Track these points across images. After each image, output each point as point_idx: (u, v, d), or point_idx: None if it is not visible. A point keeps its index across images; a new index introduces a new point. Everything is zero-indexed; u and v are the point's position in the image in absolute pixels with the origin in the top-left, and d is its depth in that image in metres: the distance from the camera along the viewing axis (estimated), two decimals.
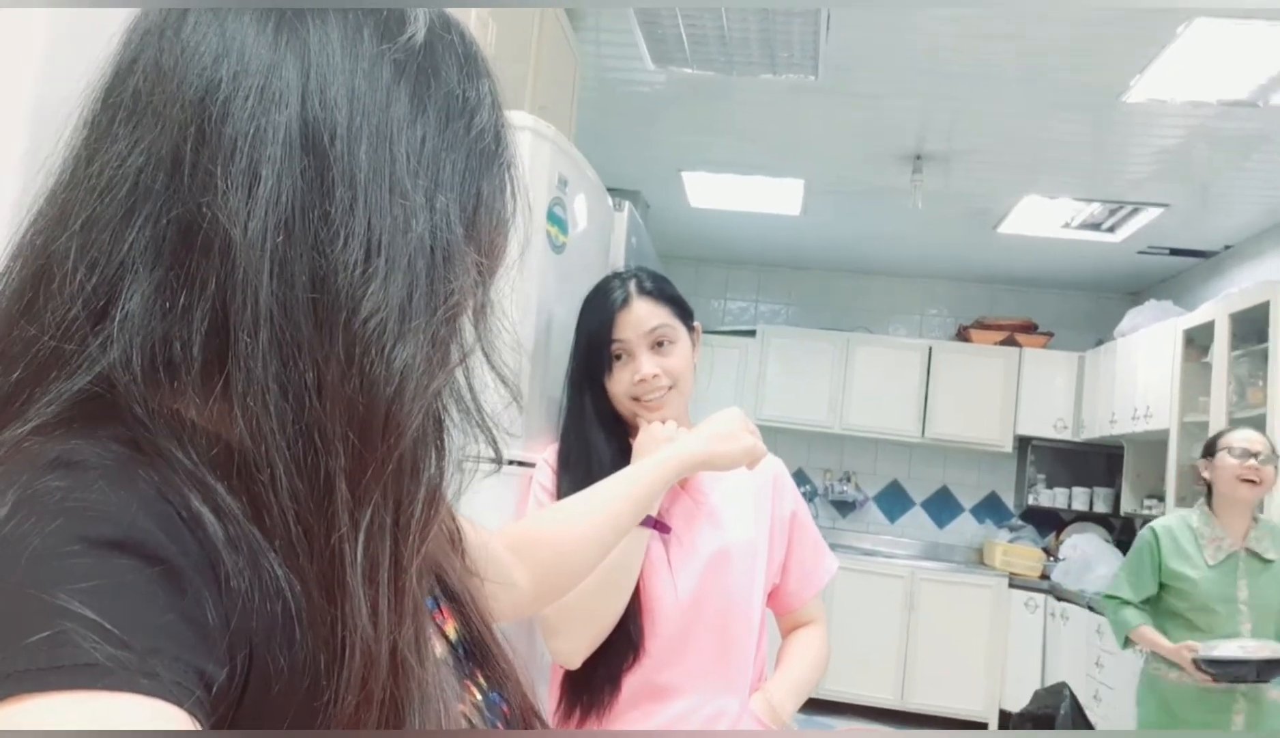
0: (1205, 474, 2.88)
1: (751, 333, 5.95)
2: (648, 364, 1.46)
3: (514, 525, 0.97)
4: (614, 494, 1.00)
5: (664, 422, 1.47)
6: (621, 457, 1.46)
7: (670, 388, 1.48)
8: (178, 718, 0.35)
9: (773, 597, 1.57)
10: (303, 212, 0.43)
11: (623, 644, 1.39)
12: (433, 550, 0.60)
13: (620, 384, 1.49)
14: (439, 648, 0.57)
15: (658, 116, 3.86)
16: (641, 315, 1.49)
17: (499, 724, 0.58)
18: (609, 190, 2.39)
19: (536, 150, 1.79)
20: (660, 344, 1.49)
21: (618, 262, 2.46)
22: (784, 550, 1.55)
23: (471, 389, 0.50)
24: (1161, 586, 2.86)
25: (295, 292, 0.43)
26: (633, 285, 1.51)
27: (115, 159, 0.44)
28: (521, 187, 0.54)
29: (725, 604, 1.44)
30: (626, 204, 2.50)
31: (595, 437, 1.50)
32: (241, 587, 0.41)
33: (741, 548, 1.47)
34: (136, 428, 0.42)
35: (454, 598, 0.61)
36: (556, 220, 1.83)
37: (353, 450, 0.43)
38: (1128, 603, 2.90)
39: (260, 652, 0.41)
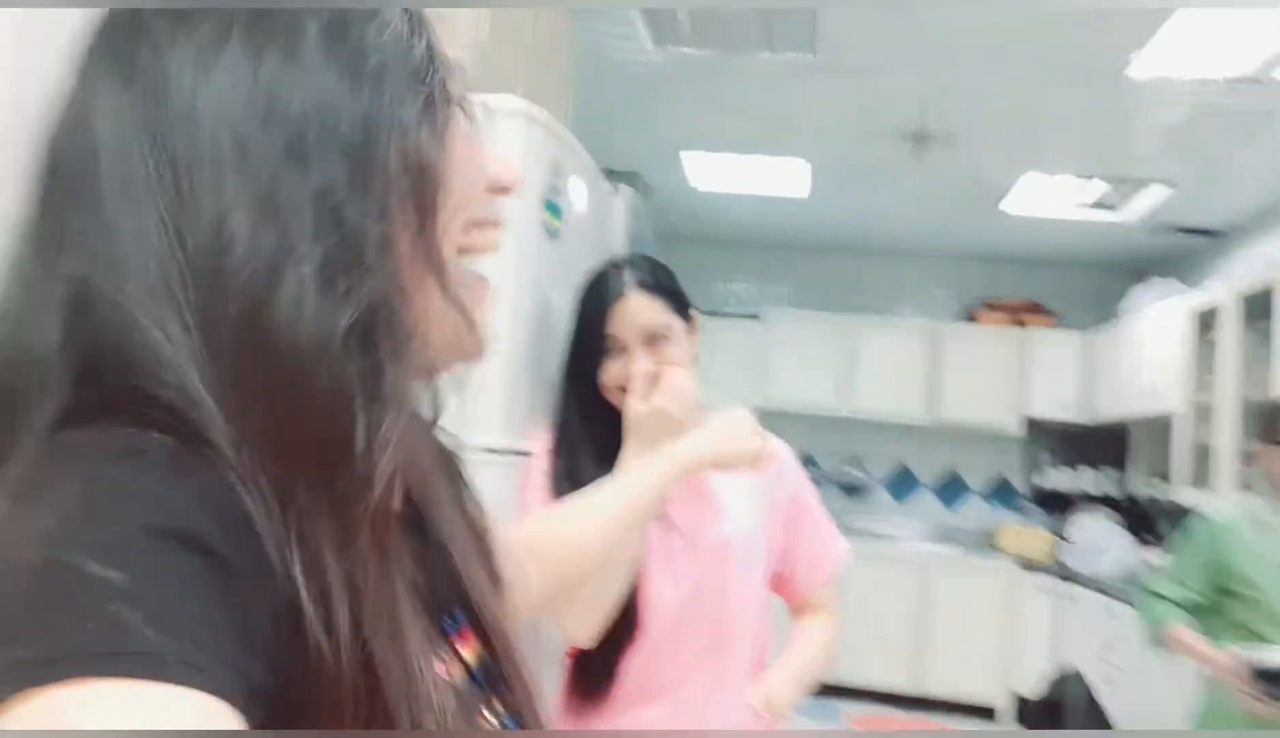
0: (1267, 461, 2.41)
1: (756, 316, 5.93)
2: (643, 363, 1.42)
3: (524, 525, 0.98)
4: (625, 493, 1.01)
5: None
6: (612, 445, 1.43)
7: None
8: (223, 713, 0.36)
9: (780, 585, 1.55)
10: (180, 211, 0.43)
11: (620, 634, 1.37)
12: (460, 565, 0.60)
13: (611, 377, 1.45)
14: (455, 672, 0.56)
15: (657, 97, 3.83)
16: (636, 311, 1.43)
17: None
18: (609, 172, 2.36)
19: (530, 136, 1.77)
20: (655, 340, 1.43)
21: (616, 246, 2.44)
22: (785, 535, 1.53)
23: (393, 349, 0.46)
24: (1223, 591, 2.37)
25: (195, 293, 0.43)
26: (627, 276, 1.45)
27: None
28: (460, 113, 0.52)
29: (723, 595, 1.43)
30: (623, 187, 2.47)
31: (586, 425, 1.47)
32: (282, 581, 0.41)
33: (741, 539, 1.45)
34: (176, 423, 0.41)
35: (480, 620, 0.59)
36: (551, 206, 1.81)
37: (266, 427, 0.42)
38: (1163, 598, 2.47)
39: (294, 648, 0.41)
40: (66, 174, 0.45)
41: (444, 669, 0.54)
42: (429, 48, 0.50)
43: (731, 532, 1.44)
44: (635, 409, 1.36)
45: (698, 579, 1.42)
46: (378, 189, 0.46)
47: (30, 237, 0.46)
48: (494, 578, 0.65)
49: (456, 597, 0.59)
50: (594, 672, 1.39)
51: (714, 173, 4.74)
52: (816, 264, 6.16)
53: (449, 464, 0.67)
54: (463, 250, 0.53)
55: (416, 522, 0.58)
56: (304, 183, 0.44)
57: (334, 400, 0.43)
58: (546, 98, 2.17)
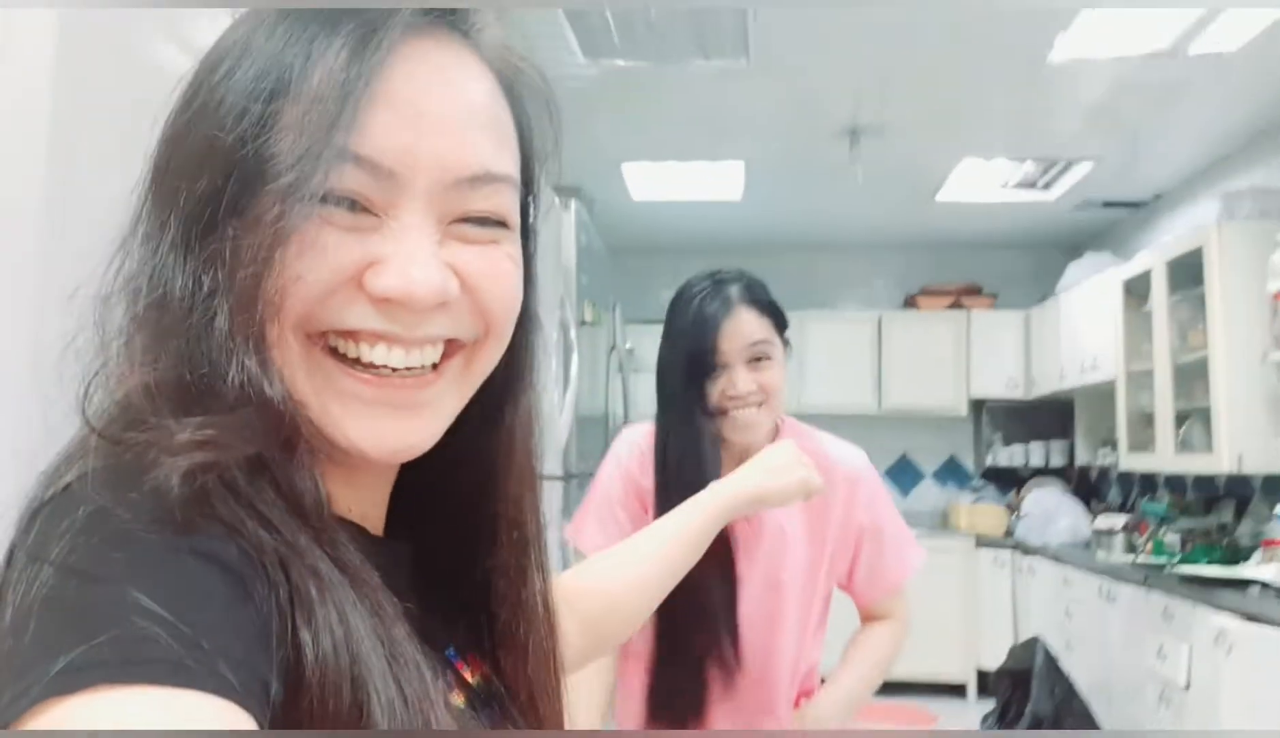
0: None
1: None
2: (744, 382, 1.40)
3: (563, 576, 0.93)
4: (665, 539, 0.96)
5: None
6: (716, 457, 1.44)
7: (760, 404, 1.42)
8: (242, 719, 0.37)
9: (848, 589, 1.56)
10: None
11: (692, 671, 1.41)
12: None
13: (713, 393, 1.43)
14: (458, 700, 0.55)
15: (593, 110, 3.84)
16: (744, 328, 1.42)
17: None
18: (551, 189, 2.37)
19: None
20: (758, 359, 1.42)
21: (569, 259, 2.45)
22: (848, 561, 1.52)
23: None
24: None
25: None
26: (735, 292, 1.44)
27: None
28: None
29: (774, 628, 1.45)
30: (572, 202, 2.48)
31: (697, 436, 1.44)
32: (291, 605, 0.43)
33: (794, 573, 1.47)
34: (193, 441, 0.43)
35: (482, 648, 0.59)
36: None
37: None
38: None
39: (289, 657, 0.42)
40: None
41: (458, 698, 0.54)
42: (311, 141, 0.45)
43: (786, 567, 1.46)
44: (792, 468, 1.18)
45: (751, 617, 1.44)
46: (205, 267, 0.45)
47: None
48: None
49: (460, 626, 0.59)
50: (681, 697, 1.43)
51: (656, 183, 4.77)
52: (759, 264, 6.09)
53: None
54: (339, 354, 0.48)
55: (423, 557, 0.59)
56: (152, 245, 0.47)
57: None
58: None
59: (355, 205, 0.47)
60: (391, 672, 0.44)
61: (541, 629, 0.61)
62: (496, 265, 0.51)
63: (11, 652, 0.36)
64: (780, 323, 1.48)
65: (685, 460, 1.43)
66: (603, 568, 0.94)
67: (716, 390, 1.42)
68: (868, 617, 1.58)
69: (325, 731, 0.42)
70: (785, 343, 1.48)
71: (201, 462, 0.42)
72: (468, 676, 0.58)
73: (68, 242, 0.50)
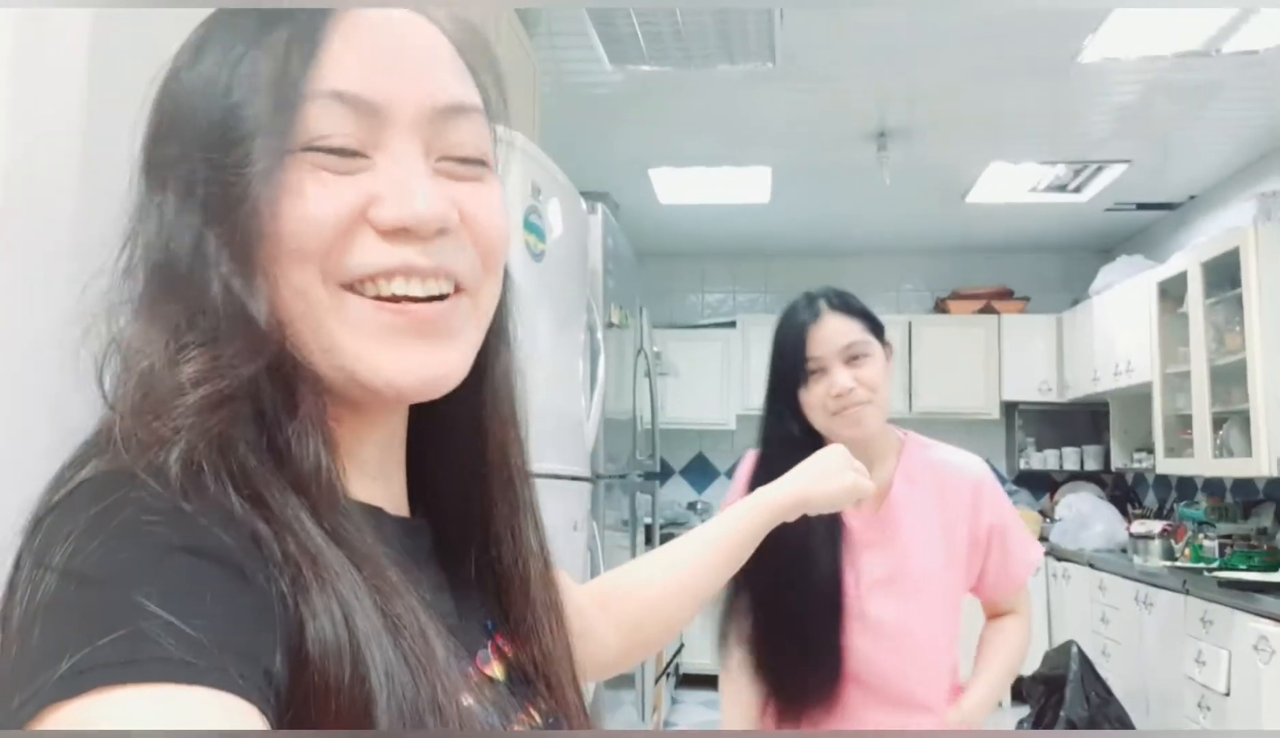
0: None
1: (732, 324, 5.96)
2: (843, 378, 1.47)
3: (599, 579, 0.93)
4: (705, 545, 0.95)
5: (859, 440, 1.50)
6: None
7: (868, 402, 1.48)
8: (246, 712, 0.37)
9: (976, 590, 1.60)
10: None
11: (828, 661, 1.46)
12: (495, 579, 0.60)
13: (816, 398, 1.50)
14: (499, 671, 0.57)
15: (619, 116, 3.86)
16: (834, 331, 1.50)
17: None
18: (578, 192, 2.38)
19: (507, 160, 1.79)
20: (855, 358, 1.49)
21: (596, 263, 2.46)
22: (981, 560, 1.56)
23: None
24: None
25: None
26: (822, 303, 1.53)
27: None
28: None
29: (907, 632, 1.49)
30: (599, 206, 2.50)
31: (788, 449, 1.45)
32: (292, 587, 0.43)
33: (924, 578, 1.50)
34: (191, 447, 0.44)
35: (519, 625, 0.60)
36: (533, 228, 1.83)
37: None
38: None
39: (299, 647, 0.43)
40: None
41: (482, 670, 0.55)
42: (282, 86, 0.47)
43: (914, 571, 1.50)
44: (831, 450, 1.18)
45: (876, 617, 1.48)
46: (204, 228, 0.48)
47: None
48: (546, 595, 0.65)
49: (494, 607, 0.60)
50: (797, 697, 1.48)
51: (682, 187, 4.78)
52: (786, 268, 6.20)
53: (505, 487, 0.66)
54: (381, 297, 0.50)
55: (449, 540, 0.60)
56: (151, 205, 0.50)
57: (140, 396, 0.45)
58: (515, 123, 2.19)
59: (344, 150, 0.49)
60: (398, 648, 0.44)
61: (536, 565, 0.62)
62: (487, 200, 0.53)
63: (18, 656, 0.37)
64: (875, 326, 1.55)
65: (778, 467, 1.46)
66: (643, 571, 0.93)
67: (820, 393, 1.49)
68: (994, 615, 1.63)
69: (325, 730, 0.42)
70: (885, 344, 1.55)
71: (216, 418, 0.44)
72: (507, 648, 0.59)
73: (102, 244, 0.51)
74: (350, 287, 0.49)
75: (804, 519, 1.30)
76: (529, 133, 2.53)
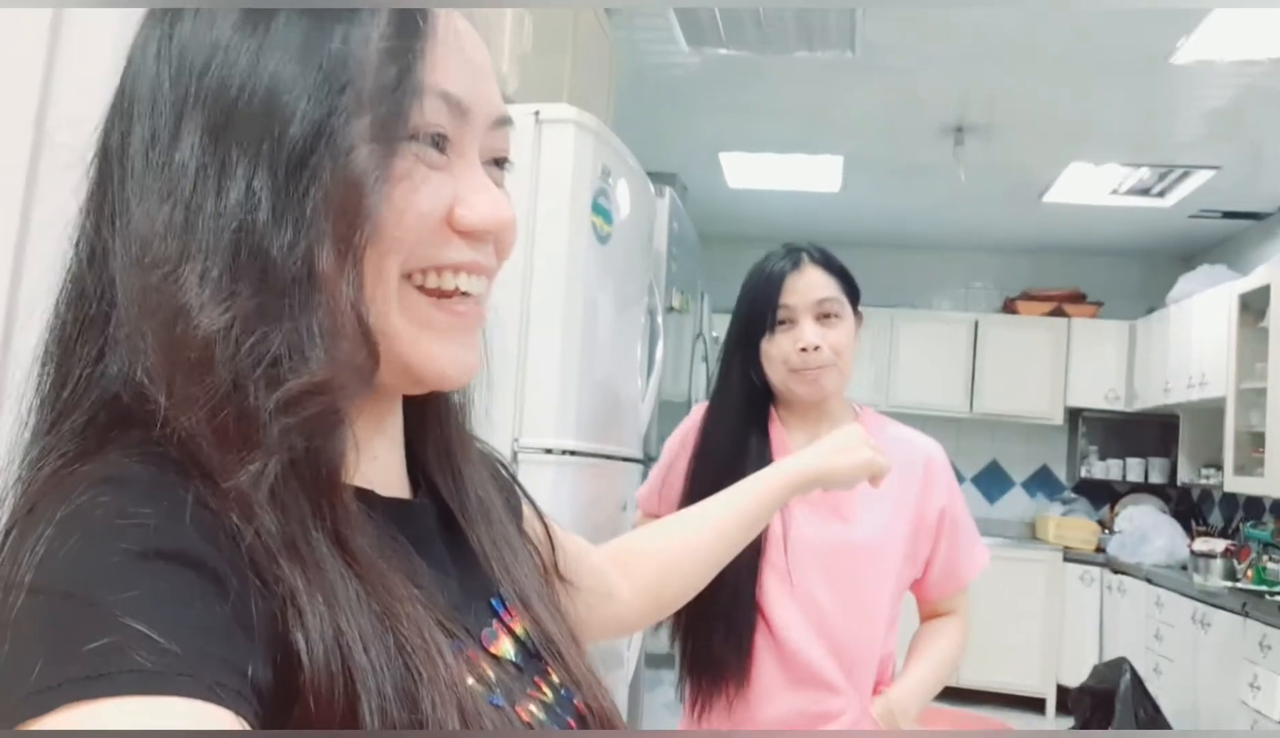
0: None
1: None
2: (811, 333, 1.41)
3: (619, 540, 0.95)
4: (723, 510, 0.96)
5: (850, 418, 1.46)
6: (761, 436, 1.44)
7: (830, 365, 1.43)
8: (224, 720, 0.36)
9: (914, 585, 1.52)
10: (105, 207, 0.48)
11: (737, 631, 1.38)
12: (493, 556, 0.61)
13: (780, 350, 1.44)
14: (508, 647, 0.57)
15: (693, 99, 3.85)
16: (811, 282, 1.44)
17: (571, 722, 0.58)
18: (646, 174, 2.39)
19: (580, 143, 1.81)
20: (826, 317, 1.44)
21: (660, 246, 2.47)
22: (929, 548, 1.48)
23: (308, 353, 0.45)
24: None
25: (141, 281, 0.46)
26: (804, 254, 1.47)
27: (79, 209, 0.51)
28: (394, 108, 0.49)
29: (846, 604, 1.41)
30: (667, 189, 2.50)
31: (739, 405, 1.47)
32: (276, 588, 0.42)
33: (868, 547, 1.42)
34: (164, 444, 0.44)
35: (523, 597, 0.61)
36: (601, 210, 1.84)
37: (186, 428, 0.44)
38: None
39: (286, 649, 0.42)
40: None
41: (489, 649, 0.56)
42: (407, 79, 0.48)
43: (857, 540, 1.42)
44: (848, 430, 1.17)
45: (815, 586, 1.40)
46: (302, 206, 0.45)
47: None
48: (543, 571, 0.67)
49: (499, 585, 0.61)
50: (710, 671, 1.40)
51: (752, 172, 4.75)
52: (853, 259, 6.02)
53: (492, 469, 0.69)
54: (428, 288, 0.51)
55: (448, 520, 0.61)
56: (231, 186, 0.45)
57: (215, 400, 0.44)
58: (589, 103, 2.20)
59: (438, 143, 0.50)
60: (391, 646, 0.44)
61: (511, 532, 0.65)
62: (508, 201, 0.55)
63: None
64: (852, 290, 1.48)
65: (731, 416, 1.46)
66: (662, 534, 0.95)
67: (785, 345, 1.43)
68: (931, 614, 1.55)
69: (325, 730, 0.42)
70: (858, 313, 1.49)
71: (318, 410, 0.44)
72: (514, 624, 0.59)
73: None
74: (408, 276, 0.50)
75: (735, 473, 1.33)
76: (602, 113, 2.54)
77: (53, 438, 0.46)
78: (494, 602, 0.59)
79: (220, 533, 0.41)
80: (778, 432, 1.48)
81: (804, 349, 1.41)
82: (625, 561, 0.89)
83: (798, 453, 1.06)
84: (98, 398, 0.46)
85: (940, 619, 1.54)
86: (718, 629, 1.38)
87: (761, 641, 1.40)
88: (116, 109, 0.50)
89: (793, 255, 1.47)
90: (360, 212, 0.46)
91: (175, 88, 0.47)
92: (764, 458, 1.41)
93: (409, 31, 0.48)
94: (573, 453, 1.82)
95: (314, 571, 0.43)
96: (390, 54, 0.47)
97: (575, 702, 0.59)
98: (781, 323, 1.44)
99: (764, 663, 1.40)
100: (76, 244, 0.49)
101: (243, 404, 0.43)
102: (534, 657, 0.59)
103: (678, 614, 1.37)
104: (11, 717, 0.34)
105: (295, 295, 0.45)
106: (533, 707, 0.55)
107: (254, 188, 0.45)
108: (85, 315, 0.48)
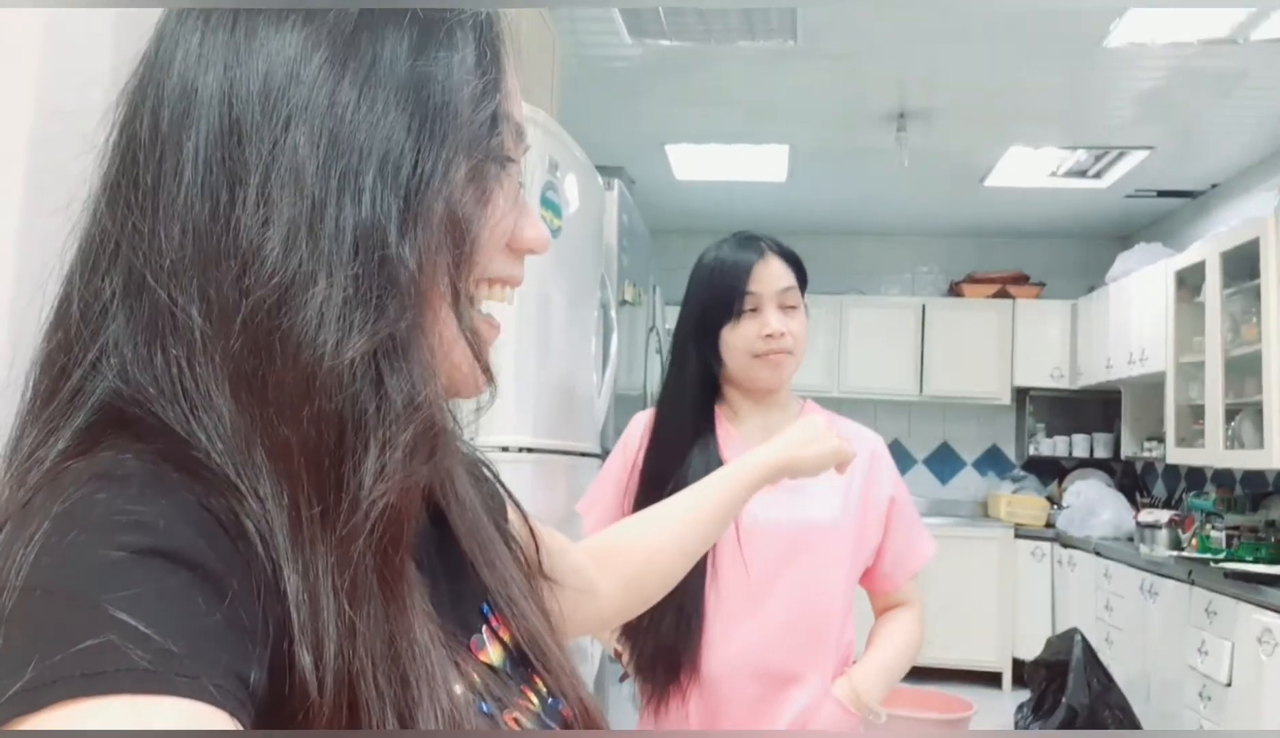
0: None
1: None
2: (776, 321, 1.44)
3: (598, 536, 0.96)
4: (697, 502, 0.98)
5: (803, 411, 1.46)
6: (708, 425, 1.45)
7: (791, 352, 1.46)
8: (217, 719, 0.36)
9: (866, 577, 1.53)
10: (217, 217, 0.45)
11: (687, 618, 1.37)
12: (483, 561, 0.61)
13: (744, 338, 1.45)
14: (495, 655, 0.57)
15: (638, 91, 3.84)
16: (776, 272, 1.47)
17: (557, 729, 0.58)
18: (594, 168, 2.38)
19: (529, 136, 1.79)
20: (787, 307, 1.47)
21: (611, 239, 2.46)
22: (879, 535, 1.50)
23: (412, 372, 0.47)
24: None
25: (219, 299, 0.44)
26: (765, 244, 1.49)
27: (90, 199, 0.49)
28: (514, 165, 0.55)
29: (802, 586, 1.41)
30: (616, 182, 2.49)
31: (692, 392, 1.48)
32: (274, 591, 0.42)
33: (823, 529, 1.44)
34: (162, 441, 0.43)
35: (510, 602, 0.61)
36: (550, 204, 1.83)
37: (304, 460, 0.44)
38: None
39: (284, 656, 0.42)
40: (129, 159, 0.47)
41: (478, 656, 0.56)
42: (496, 110, 0.51)
43: (812, 521, 1.43)
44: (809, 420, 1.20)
45: (770, 568, 1.40)
46: (417, 235, 0.47)
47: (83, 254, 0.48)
48: (526, 571, 0.67)
49: (486, 589, 0.60)
50: (662, 659, 1.39)
51: (699, 163, 4.76)
52: (802, 247, 6.05)
53: (473, 469, 0.69)
54: (475, 298, 0.55)
55: (439, 522, 0.60)
56: (350, 214, 0.45)
57: (331, 427, 0.44)
58: (534, 97, 2.18)
59: (506, 167, 0.54)
60: (397, 678, 0.44)
61: (493, 536, 0.65)
62: None
63: None
64: (803, 280, 1.52)
65: (681, 410, 1.46)
66: (639, 527, 0.96)
67: (751, 332, 1.44)
68: (885, 607, 1.56)
69: (325, 731, 0.41)
70: (804, 306, 1.52)
71: (423, 431, 0.45)
72: (502, 631, 0.59)
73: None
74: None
75: (686, 465, 1.33)
76: (548, 107, 2.52)
77: (47, 434, 0.45)
78: (484, 608, 0.59)
79: (223, 536, 0.41)
80: (723, 421, 1.49)
81: (769, 336, 1.43)
82: (605, 556, 0.89)
83: (766, 444, 1.07)
84: (97, 399, 0.45)
85: (896, 610, 1.55)
86: (665, 620, 1.37)
87: (716, 629, 1.39)
88: (155, 104, 0.47)
89: (754, 245, 1.48)
90: (466, 241, 0.49)
91: (261, 108, 0.46)
92: (711, 448, 1.43)
93: (492, 66, 0.52)
94: (530, 450, 1.81)
95: (346, 591, 0.43)
96: (483, 93, 0.51)
97: (561, 710, 0.59)
98: (748, 311, 1.45)
99: (719, 650, 1.39)
100: (91, 243, 0.48)
101: (363, 432, 0.44)
102: (520, 665, 0.59)
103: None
104: (3, 712, 0.34)
105: (416, 321, 0.47)
106: (519, 715, 0.55)
107: (378, 217, 0.46)
108: (93, 314, 0.46)
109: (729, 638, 1.39)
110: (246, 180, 0.44)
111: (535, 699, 0.58)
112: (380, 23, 0.48)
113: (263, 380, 0.43)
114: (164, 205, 0.45)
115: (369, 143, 0.46)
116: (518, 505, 0.73)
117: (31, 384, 0.47)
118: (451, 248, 0.49)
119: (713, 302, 1.47)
